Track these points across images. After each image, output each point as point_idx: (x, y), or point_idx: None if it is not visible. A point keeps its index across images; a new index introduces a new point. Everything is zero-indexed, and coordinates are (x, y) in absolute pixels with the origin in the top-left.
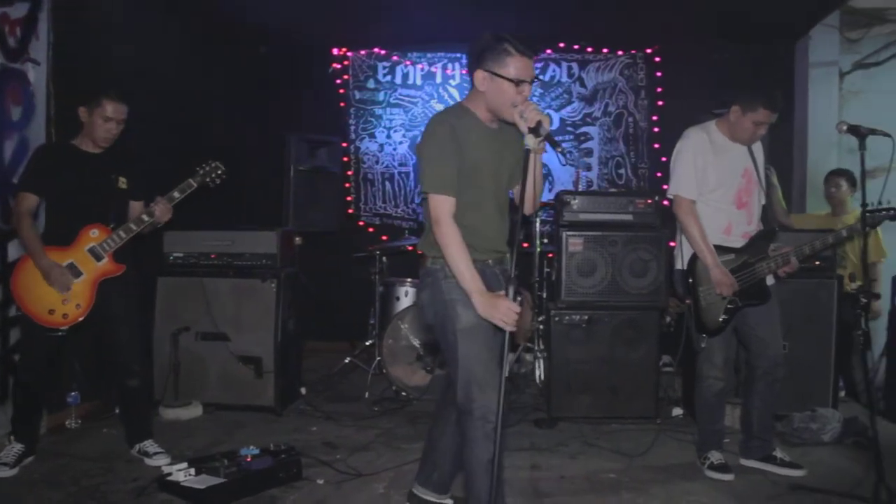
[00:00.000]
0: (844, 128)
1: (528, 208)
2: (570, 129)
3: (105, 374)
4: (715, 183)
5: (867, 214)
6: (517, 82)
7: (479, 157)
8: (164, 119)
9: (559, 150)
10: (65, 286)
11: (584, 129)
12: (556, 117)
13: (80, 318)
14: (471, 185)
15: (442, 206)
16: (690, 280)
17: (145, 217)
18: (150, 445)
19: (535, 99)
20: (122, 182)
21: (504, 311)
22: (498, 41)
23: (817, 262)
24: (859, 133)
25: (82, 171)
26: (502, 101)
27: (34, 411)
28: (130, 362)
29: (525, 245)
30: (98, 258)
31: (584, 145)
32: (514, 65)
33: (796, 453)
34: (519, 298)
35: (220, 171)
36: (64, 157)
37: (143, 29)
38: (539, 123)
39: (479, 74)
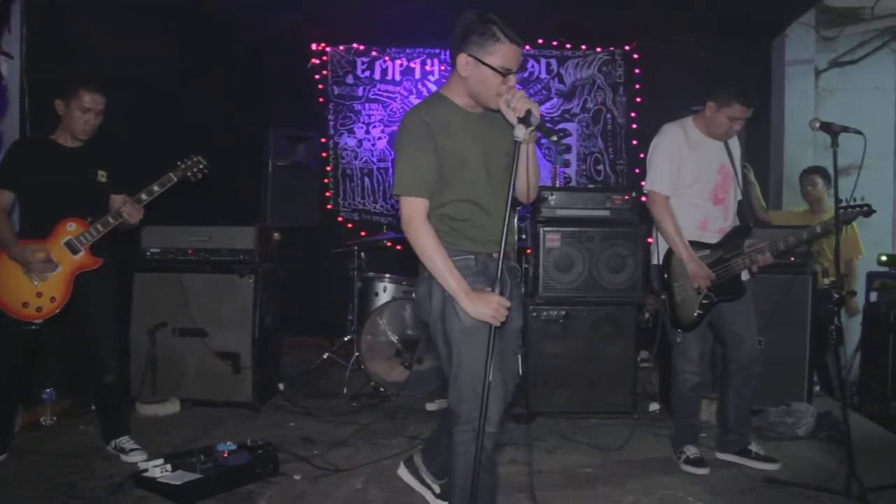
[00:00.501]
0: (817, 125)
1: (523, 198)
2: (548, 125)
3: (80, 371)
4: (690, 179)
5: (840, 211)
6: (504, 73)
7: (462, 147)
8: (141, 114)
9: (553, 138)
10: (43, 272)
11: (562, 125)
12: None
13: (56, 312)
14: (458, 177)
15: (412, 209)
16: (666, 275)
17: (113, 218)
18: (126, 442)
19: None
20: (102, 175)
21: (494, 306)
22: (485, 23)
23: (792, 258)
24: (831, 130)
25: (59, 165)
26: (485, 89)
27: (9, 409)
28: (107, 358)
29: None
30: (74, 251)
31: (564, 140)
32: (500, 52)
33: (771, 447)
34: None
35: (201, 166)
36: (41, 152)
37: (120, 23)
38: (528, 112)
39: (462, 59)
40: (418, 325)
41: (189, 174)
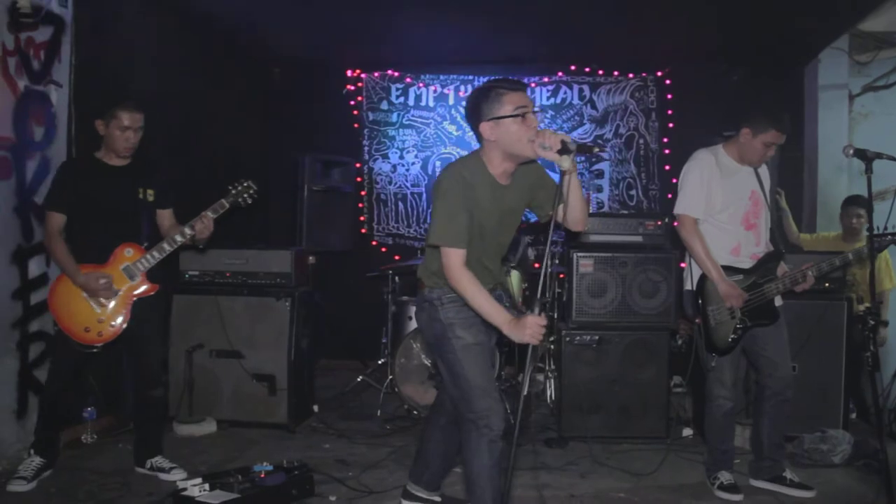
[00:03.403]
0: (851, 152)
1: (578, 226)
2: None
3: (121, 391)
4: (721, 204)
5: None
6: (521, 114)
7: (485, 217)
8: (181, 139)
9: (596, 149)
10: (108, 296)
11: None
12: None
13: (115, 337)
14: (476, 237)
15: (452, 259)
16: (700, 300)
17: (187, 231)
18: (162, 461)
19: (547, 120)
20: (149, 194)
21: (531, 327)
22: (486, 90)
23: (827, 284)
24: (866, 157)
25: (108, 183)
26: (516, 139)
27: (56, 425)
28: (158, 373)
29: (536, 265)
30: (132, 277)
31: (595, 167)
32: (509, 101)
33: (806, 474)
34: (543, 311)
35: (252, 191)
36: (88, 171)
37: (163, 51)
38: (563, 143)
39: (485, 127)
40: None
41: (240, 199)
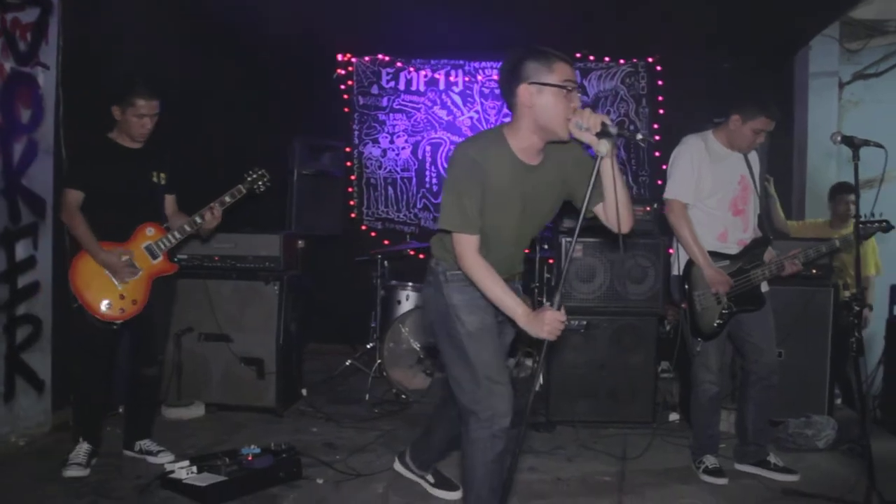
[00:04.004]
0: (839, 138)
1: (618, 224)
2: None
3: (110, 374)
4: (710, 190)
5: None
6: (570, 88)
7: (500, 194)
8: (170, 122)
9: (639, 137)
10: (130, 274)
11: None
12: None
13: (136, 314)
14: (488, 219)
15: (464, 244)
16: (686, 285)
17: (198, 219)
18: (151, 444)
19: None
20: (161, 177)
21: (550, 322)
22: (538, 51)
23: (814, 271)
24: (853, 144)
25: (125, 166)
26: (555, 113)
27: (100, 407)
28: (156, 352)
29: (526, 251)
30: (154, 256)
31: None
32: (559, 70)
33: (790, 458)
34: (563, 307)
35: (266, 179)
36: (105, 152)
37: (152, 33)
38: (604, 125)
39: (524, 89)
40: None
41: (255, 186)
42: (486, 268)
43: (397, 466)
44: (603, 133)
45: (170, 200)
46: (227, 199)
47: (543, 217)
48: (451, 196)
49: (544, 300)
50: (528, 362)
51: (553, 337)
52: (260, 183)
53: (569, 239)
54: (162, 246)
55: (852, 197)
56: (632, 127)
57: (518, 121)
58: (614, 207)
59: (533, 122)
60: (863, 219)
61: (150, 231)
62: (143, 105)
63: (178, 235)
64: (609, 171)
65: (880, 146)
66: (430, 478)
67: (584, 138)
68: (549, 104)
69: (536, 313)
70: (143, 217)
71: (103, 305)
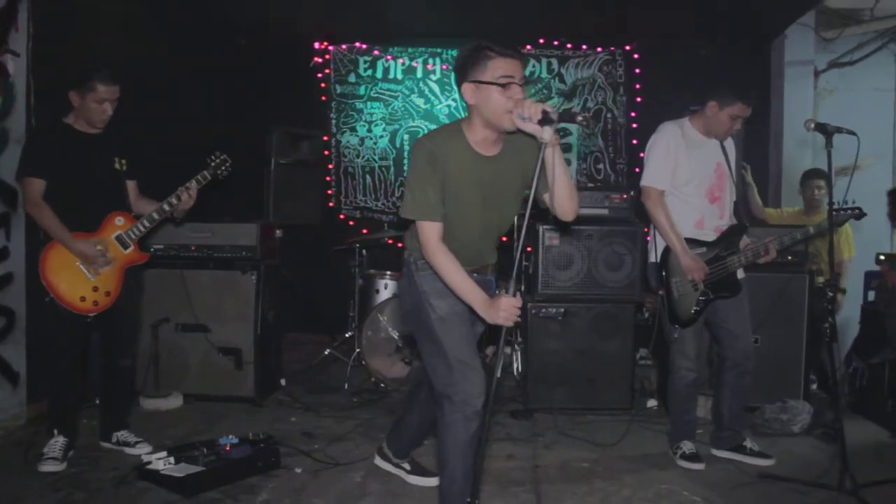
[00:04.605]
0: (812, 126)
1: (564, 213)
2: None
3: (85, 366)
4: (687, 177)
5: (833, 213)
6: (504, 84)
7: (459, 185)
8: (144, 111)
9: (581, 118)
10: (104, 264)
11: (562, 124)
12: None
13: (109, 306)
14: (450, 209)
15: (427, 232)
16: (663, 272)
17: (166, 206)
18: (128, 435)
19: None
20: (122, 163)
21: (505, 308)
22: (477, 49)
23: (789, 257)
24: (826, 131)
25: (84, 152)
26: (495, 109)
27: (74, 400)
28: (129, 342)
29: (504, 239)
30: (125, 246)
31: (562, 140)
32: (494, 66)
33: (766, 443)
34: (518, 292)
35: (227, 164)
36: (63, 138)
37: (126, 20)
38: (545, 112)
39: (466, 88)
40: None
41: (218, 172)
42: (446, 256)
43: (377, 461)
44: (544, 121)
45: (131, 186)
46: (194, 185)
47: (508, 207)
48: (412, 186)
49: (523, 289)
50: (507, 350)
51: (509, 323)
52: (223, 167)
53: (546, 227)
54: (132, 235)
55: (820, 182)
56: (586, 113)
57: (470, 116)
58: (561, 195)
59: (480, 118)
60: (836, 206)
61: (119, 220)
62: (104, 90)
63: (147, 224)
64: (551, 159)
65: (853, 133)
66: (406, 465)
67: (527, 128)
68: (489, 100)
69: (493, 300)
70: (109, 205)
71: (76, 298)
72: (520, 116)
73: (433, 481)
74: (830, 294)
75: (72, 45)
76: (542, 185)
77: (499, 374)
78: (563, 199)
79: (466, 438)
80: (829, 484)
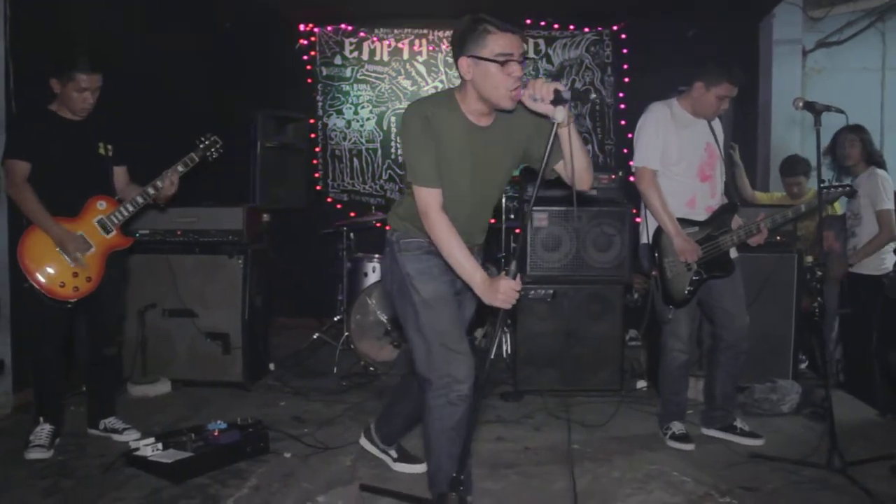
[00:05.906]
0: (800, 104)
1: (583, 184)
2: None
3: (72, 353)
4: (677, 157)
5: (823, 191)
6: (502, 61)
7: (451, 154)
8: (127, 94)
9: (593, 95)
10: (82, 249)
11: None
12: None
13: (90, 292)
14: (441, 178)
15: (426, 198)
16: (656, 253)
17: (151, 189)
18: (116, 422)
19: None
20: (106, 148)
21: (504, 291)
22: (476, 23)
23: (779, 237)
24: (814, 109)
25: (68, 137)
26: (492, 86)
27: (59, 387)
28: (114, 331)
29: (492, 220)
30: (107, 231)
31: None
32: (494, 42)
33: (756, 423)
34: (518, 274)
35: (218, 146)
36: (47, 123)
37: (106, 3)
38: (556, 92)
39: (463, 62)
40: None
41: (207, 154)
42: (448, 227)
43: (362, 441)
44: (557, 100)
45: (120, 172)
46: (181, 167)
47: (499, 180)
48: (409, 152)
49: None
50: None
51: (507, 306)
52: (213, 150)
53: (534, 208)
54: (115, 219)
55: (798, 179)
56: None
57: (464, 87)
58: (581, 168)
59: (475, 92)
60: (826, 184)
61: (101, 205)
62: (84, 79)
63: (130, 208)
64: (566, 138)
65: (841, 112)
66: (392, 453)
67: (539, 109)
68: (487, 77)
69: (492, 281)
70: (92, 191)
71: (56, 284)
72: (531, 97)
73: (420, 468)
74: (819, 273)
75: (52, 29)
76: (555, 158)
77: (492, 356)
78: (582, 171)
79: (451, 423)
80: (818, 462)
